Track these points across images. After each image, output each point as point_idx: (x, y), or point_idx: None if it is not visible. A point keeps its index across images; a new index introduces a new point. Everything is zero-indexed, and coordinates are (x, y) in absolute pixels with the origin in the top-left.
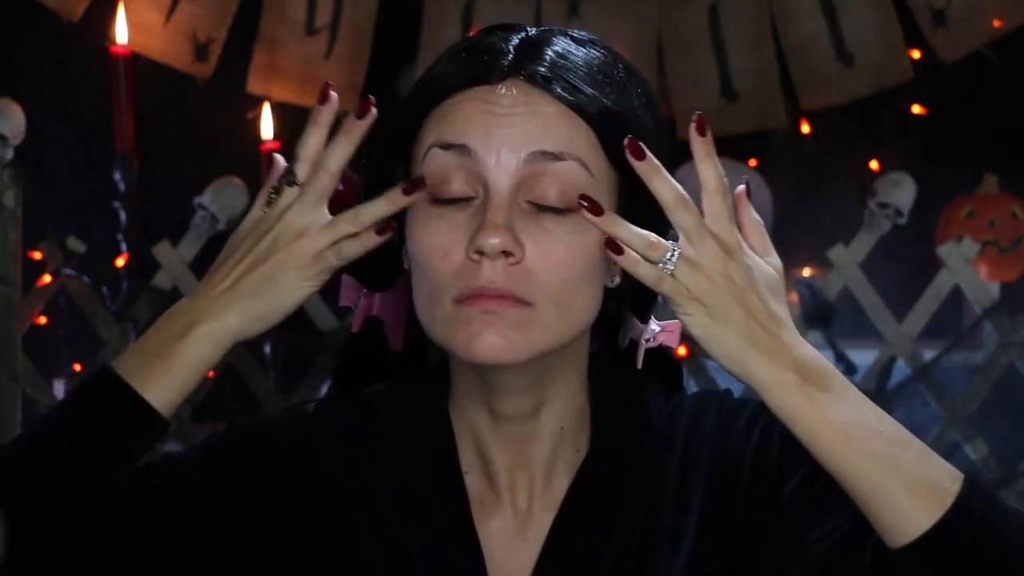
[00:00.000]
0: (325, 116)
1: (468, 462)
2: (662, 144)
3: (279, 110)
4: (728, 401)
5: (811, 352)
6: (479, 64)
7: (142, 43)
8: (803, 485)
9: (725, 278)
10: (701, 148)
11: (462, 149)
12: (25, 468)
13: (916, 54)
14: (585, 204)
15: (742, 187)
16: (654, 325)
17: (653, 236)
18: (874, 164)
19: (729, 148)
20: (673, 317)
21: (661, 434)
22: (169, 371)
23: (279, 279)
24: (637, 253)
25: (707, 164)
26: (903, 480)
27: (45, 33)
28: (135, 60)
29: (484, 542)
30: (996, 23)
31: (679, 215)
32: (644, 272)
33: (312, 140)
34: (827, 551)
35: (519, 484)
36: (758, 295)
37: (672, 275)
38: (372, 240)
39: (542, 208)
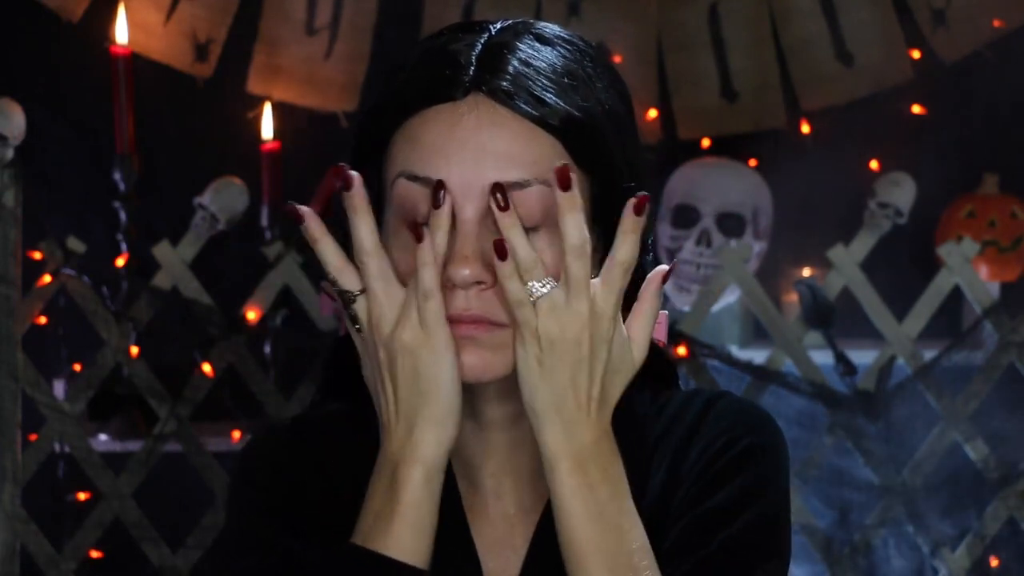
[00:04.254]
0: (352, 200)
1: (457, 470)
2: (632, 137)
3: (279, 110)
4: (715, 408)
5: (606, 450)
6: (441, 79)
7: (142, 43)
8: (693, 501)
9: (575, 341)
10: (628, 223)
11: (427, 181)
12: None
13: (916, 54)
14: (496, 196)
15: (664, 268)
16: None
17: (540, 262)
18: (874, 164)
19: (729, 148)
20: (663, 308)
21: (641, 435)
22: (402, 521)
23: (420, 371)
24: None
25: (626, 240)
26: None
27: (45, 33)
28: (135, 60)
29: (476, 549)
30: (996, 23)
31: (573, 262)
32: (511, 288)
33: (331, 249)
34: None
35: (505, 490)
36: (594, 374)
37: (533, 304)
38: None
39: None
